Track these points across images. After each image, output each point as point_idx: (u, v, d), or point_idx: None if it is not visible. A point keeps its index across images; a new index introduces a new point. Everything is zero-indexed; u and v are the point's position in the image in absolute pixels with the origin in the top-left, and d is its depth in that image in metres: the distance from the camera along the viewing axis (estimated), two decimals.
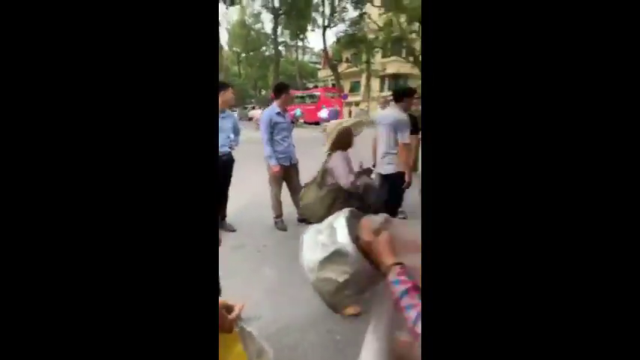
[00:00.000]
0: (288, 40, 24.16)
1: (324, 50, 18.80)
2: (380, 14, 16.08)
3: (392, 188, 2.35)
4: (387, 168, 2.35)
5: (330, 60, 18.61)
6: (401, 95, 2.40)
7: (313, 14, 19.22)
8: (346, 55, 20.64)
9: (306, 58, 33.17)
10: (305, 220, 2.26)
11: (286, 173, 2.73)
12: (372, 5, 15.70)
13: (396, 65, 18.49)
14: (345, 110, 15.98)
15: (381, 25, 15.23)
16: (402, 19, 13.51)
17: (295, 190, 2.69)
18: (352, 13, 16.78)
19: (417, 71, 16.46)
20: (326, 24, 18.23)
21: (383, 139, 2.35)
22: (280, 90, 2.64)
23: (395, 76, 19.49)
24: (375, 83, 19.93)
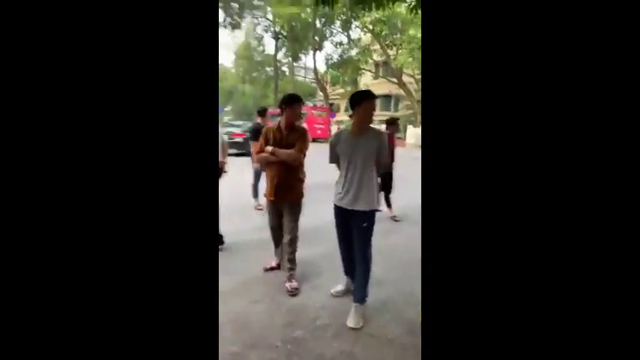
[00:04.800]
0: (288, 60, 25.79)
1: (315, 71, 20.22)
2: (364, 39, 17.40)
3: None
4: None
5: (320, 80, 19.97)
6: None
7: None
8: (344, 77, 22.09)
9: (308, 78, 34.89)
10: None
11: None
12: (362, 30, 17.07)
13: (385, 86, 19.62)
14: (334, 128, 16.97)
15: (367, 49, 16.57)
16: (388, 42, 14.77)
17: None
18: (341, 37, 18.18)
19: (402, 92, 17.57)
20: (316, 47, 19.73)
21: None
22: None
23: (385, 96, 20.62)
24: None
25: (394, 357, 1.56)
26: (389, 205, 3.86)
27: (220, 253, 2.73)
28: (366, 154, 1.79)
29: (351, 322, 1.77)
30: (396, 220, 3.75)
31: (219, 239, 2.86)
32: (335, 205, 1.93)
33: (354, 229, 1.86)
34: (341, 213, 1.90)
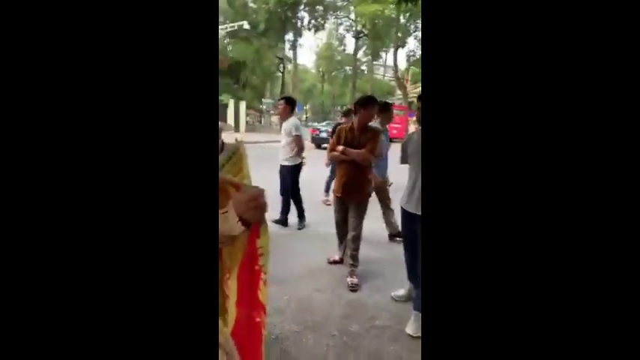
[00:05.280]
0: (367, 59, 25.63)
1: (394, 69, 19.48)
2: None
3: None
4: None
5: (399, 78, 19.11)
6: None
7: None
8: None
9: (387, 76, 34.02)
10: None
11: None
12: None
13: None
14: (412, 127, 16.17)
15: None
16: None
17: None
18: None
19: None
20: (399, 44, 18.97)
21: None
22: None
23: None
24: None
25: None
26: None
27: (295, 239, 2.98)
28: None
29: (410, 329, 1.73)
30: None
31: (302, 214, 3.34)
32: (401, 207, 1.90)
33: (419, 235, 1.80)
34: (406, 216, 1.85)
